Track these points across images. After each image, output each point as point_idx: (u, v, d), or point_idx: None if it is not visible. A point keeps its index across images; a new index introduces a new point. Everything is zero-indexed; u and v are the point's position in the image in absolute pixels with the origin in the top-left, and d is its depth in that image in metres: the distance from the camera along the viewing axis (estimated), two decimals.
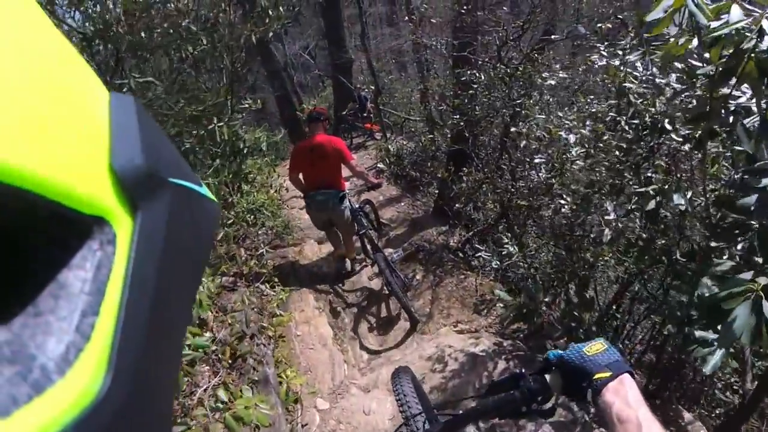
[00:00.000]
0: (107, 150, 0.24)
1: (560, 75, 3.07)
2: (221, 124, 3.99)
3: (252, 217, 5.24)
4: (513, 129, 5.58)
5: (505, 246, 3.82)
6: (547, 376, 1.02)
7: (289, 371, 3.30)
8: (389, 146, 9.87)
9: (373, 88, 12.74)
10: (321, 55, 18.85)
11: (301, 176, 4.47)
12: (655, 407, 2.53)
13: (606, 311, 3.59)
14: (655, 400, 3.24)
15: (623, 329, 3.70)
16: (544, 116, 5.69)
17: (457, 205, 6.14)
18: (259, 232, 5.37)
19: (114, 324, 0.22)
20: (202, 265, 0.36)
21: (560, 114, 3.74)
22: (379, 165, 9.59)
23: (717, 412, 3.62)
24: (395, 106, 12.94)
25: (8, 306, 0.19)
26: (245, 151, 5.49)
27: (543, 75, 3.41)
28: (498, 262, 3.94)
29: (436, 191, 8.95)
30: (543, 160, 3.64)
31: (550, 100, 5.46)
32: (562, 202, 3.15)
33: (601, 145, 2.71)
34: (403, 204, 8.33)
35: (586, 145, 2.76)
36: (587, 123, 2.99)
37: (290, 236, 5.94)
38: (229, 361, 2.81)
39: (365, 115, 11.95)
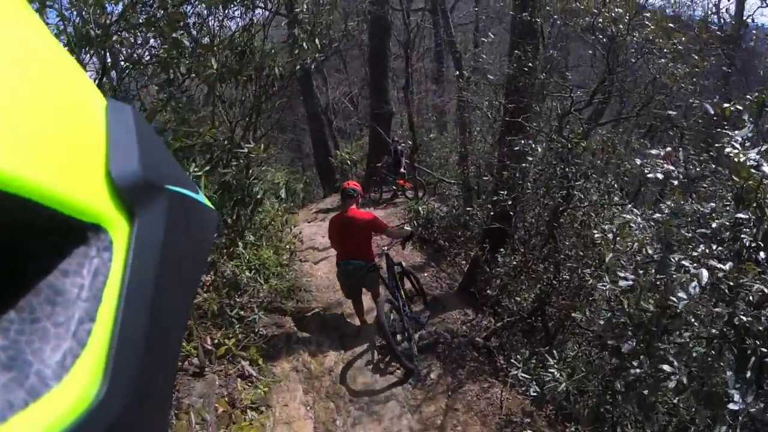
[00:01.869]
0: (104, 157, 0.24)
1: (667, 167, 2.32)
2: (226, 170, 3.34)
3: (252, 273, 4.51)
4: (563, 211, 4.85)
5: (549, 369, 2.98)
6: None
7: None
8: (419, 207, 9.15)
9: (410, 143, 12.24)
10: (363, 103, 18.58)
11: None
12: None
13: None
14: None
15: None
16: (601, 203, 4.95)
17: (488, 290, 5.33)
18: (260, 291, 4.63)
19: (110, 330, 0.21)
20: (198, 273, 0.37)
21: (636, 212, 2.96)
22: (406, 227, 8.85)
23: None
24: (430, 166, 12.33)
25: (5, 312, 0.19)
26: (259, 197, 4.84)
27: (641, 164, 2.64)
28: (538, 389, 3.10)
29: (465, 267, 8.16)
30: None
31: (614, 187, 4.72)
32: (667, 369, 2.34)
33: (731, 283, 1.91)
34: (426, 275, 7.53)
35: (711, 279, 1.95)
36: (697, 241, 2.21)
37: (293, 301, 5.17)
38: None
39: (399, 170, 11.31)
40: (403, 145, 11.72)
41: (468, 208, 8.18)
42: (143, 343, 0.23)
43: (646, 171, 2.52)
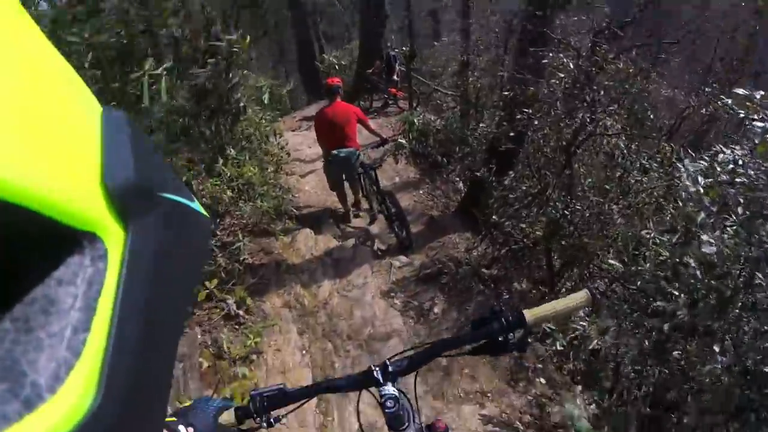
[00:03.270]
0: (99, 165, 0.23)
1: None
2: (201, 71, 2.67)
3: (234, 193, 3.94)
4: (586, 138, 4.29)
5: (581, 323, 2.60)
6: (526, 312, 1.06)
7: None
8: (414, 119, 8.47)
9: (405, 49, 11.27)
10: (353, 5, 17.08)
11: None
12: None
13: None
14: None
15: None
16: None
17: (493, 215, 4.89)
18: (244, 212, 4.10)
19: (105, 340, 0.21)
20: (194, 281, 0.37)
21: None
22: (399, 139, 8.23)
23: None
24: (425, 74, 11.45)
25: None
26: (242, 104, 4.18)
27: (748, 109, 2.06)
28: (564, 343, 2.72)
29: (464, 185, 7.68)
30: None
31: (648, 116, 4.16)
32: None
33: None
34: (421, 192, 7.08)
35: None
36: None
37: (281, 222, 4.66)
38: None
39: (392, 78, 10.43)
40: (396, 50, 10.74)
41: (469, 123, 7.55)
42: (138, 352, 0.23)
43: (742, 114, 1.97)
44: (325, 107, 5.03)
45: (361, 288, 4.12)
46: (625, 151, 4.04)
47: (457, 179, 8.11)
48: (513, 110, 4.89)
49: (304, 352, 3.10)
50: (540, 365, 3.27)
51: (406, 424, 1.11)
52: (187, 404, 1.05)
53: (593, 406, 2.94)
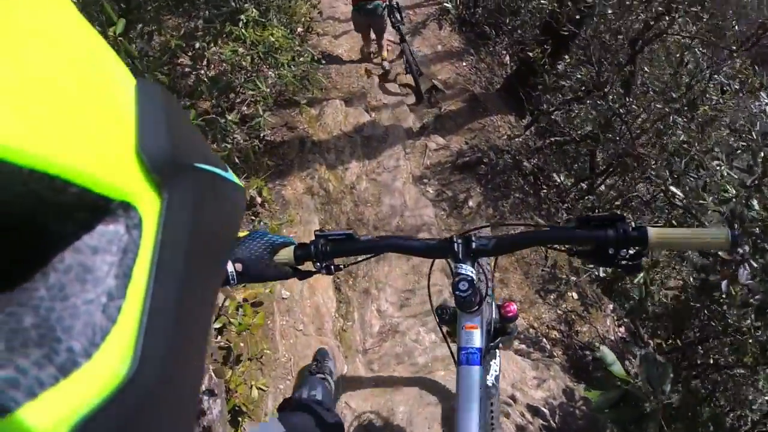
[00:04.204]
0: (133, 136, 0.24)
1: None
2: None
3: (255, 61, 3.50)
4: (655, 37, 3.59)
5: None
6: (650, 229, 0.88)
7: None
8: None
9: None
10: None
11: None
12: None
13: None
14: None
15: None
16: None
17: (543, 102, 4.37)
18: (266, 81, 3.68)
19: (140, 308, 0.22)
20: (227, 250, 0.36)
21: None
22: (445, 3, 7.33)
23: None
24: None
25: (36, 290, 0.19)
26: None
27: None
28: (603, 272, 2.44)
29: (510, 60, 6.95)
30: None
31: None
32: None
33: None
34: (464, 64, 6.42)
35: None
36: None
37: (308, 91, 4.23)
38: None
39: None
40: None
41: None
42: (173, 320, 0.23)
43: None
44: None
45: (392, 172, 3.81)
46: (700, 60, 3.39)
47: (504, 52, 7.35)
48: None
49: None
50: (574, 277, 3.03)
51: (476, 307, 1.02)
52: (243, 234, 0.97)
53: (623, 328, 2.75)
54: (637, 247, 0.90)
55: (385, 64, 5.71)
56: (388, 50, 5.78)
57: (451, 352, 1.11)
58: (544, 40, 4.82)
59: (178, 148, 0.25)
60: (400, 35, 5.36)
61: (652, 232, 0.88)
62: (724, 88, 3.36)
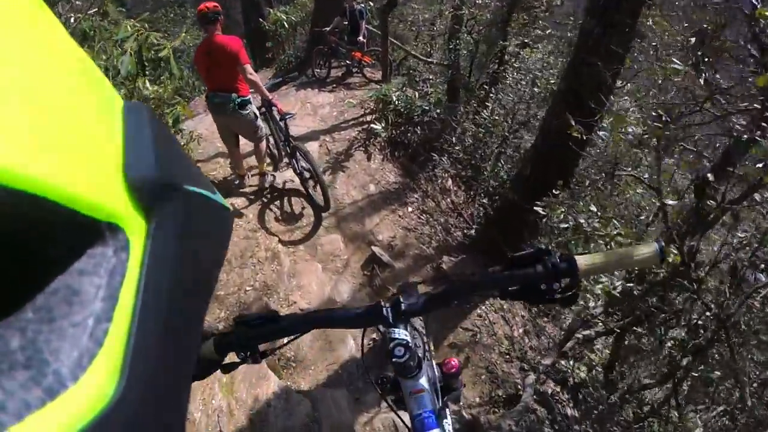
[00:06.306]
0: (121, 157, 0.23)
1: None
2: None
3: None
4: None
5: None
6: (578, 258, 0.86)
7: None
8: (391, 93, 6.31)
9: (372, 2, 9.01)
10: None
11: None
12: None
13: None
14: None
15: None
16: None
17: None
18: None
19: (127, 330, 0.21)
20: (215, 271, 0.36)
21: None
22: (372, 125, 6.07)
23: None
24: (400, 37, 9.25)
25: (23, 311, 0.19)
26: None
27: None
28: None
29: (456, 192, 5.74)
30: None
31: None
32: None
33: None
34: (410, 210, 5.03)
35: None
36: None
37: None
38: None
39: (357, 38, 8.16)
40: (363, 5, 8.42)
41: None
42: (160, 341, 0.23)
43: None
44: (203, 40, 4.14)
45: None
46: None
47: (445, 174, 6.15)
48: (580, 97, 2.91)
49: None
50: None
51: (417, 371, 0.93)
52: None
53: None
54: (567, 279, 0.86)
55: (267, 179, 4.85)
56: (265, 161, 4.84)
57: (404, 423, 0.99)
58: (531, 173, 3.53)
59: (165, 169, 0.24)
60: (287, 146, 4.51)
61: (581, 260, 0.86)
62: None
